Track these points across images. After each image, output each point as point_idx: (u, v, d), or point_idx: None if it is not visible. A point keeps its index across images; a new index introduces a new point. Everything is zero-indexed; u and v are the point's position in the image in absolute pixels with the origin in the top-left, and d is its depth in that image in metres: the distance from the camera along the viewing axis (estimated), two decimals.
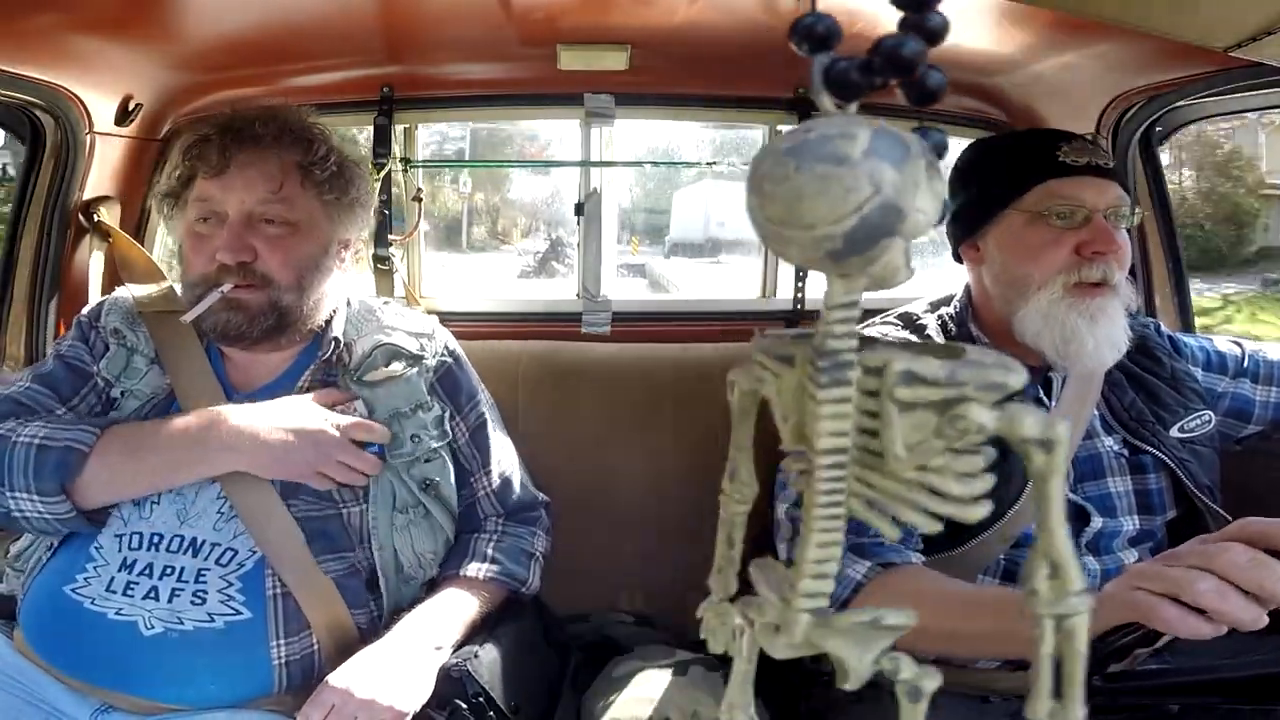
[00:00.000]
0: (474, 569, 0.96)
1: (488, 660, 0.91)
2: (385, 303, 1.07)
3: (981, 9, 1.00)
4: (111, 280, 1.27)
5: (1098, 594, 0.65)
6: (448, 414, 0.99)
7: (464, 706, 0.86)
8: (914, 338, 0.95)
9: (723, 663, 1.05)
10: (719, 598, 0.36)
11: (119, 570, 0.85)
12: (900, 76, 0.25)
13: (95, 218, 1.23)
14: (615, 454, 1.28)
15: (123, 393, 0.94)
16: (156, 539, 0.86)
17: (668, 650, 1.07)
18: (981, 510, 0.27)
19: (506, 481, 1.04)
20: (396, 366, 0.97)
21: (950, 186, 1.00)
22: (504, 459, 1.05)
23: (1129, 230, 0.91)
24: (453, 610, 0.92)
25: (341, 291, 1.02)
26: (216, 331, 0.92)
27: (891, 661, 0.29)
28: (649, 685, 0.97)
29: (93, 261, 1.25)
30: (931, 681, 0.29)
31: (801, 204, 0.24)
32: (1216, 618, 0.58)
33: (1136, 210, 0.91)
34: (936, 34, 0.25)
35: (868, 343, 0.28)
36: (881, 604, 0.83)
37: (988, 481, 0.27)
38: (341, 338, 0.98)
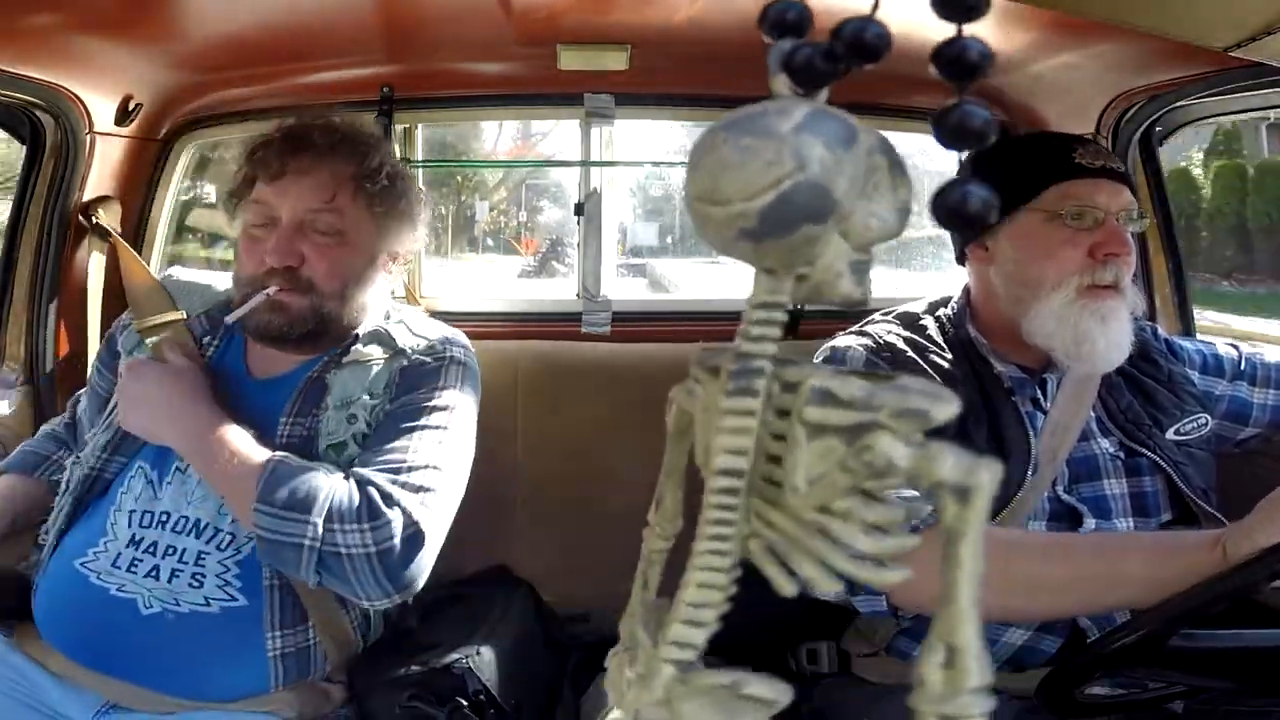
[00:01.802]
0: (289, 458, 0.84)
1: (489, 658, 0.92)
2: (421, 313, 1.09)
3: None
4: (112, 280, 1.28)
5: (1251, 517, 0.67)
6: (382, 404, 0.92)
7: (465, 704, 0.86)
8: (916, 336, 0.95)
9: (727, 663, 1.06)
10: (623, 646, 0.31)
11: (127, 546, 0.87)
12: (865, 62, 0.23)
13: (95, 218, 1.23)
14: (615, 454, 1.28)
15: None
16: (165, 517, 0.88)
17: None
18: (894, 577, 0.22)
19: (386, 466, 0.85)
20: (374, 350, 0.95)
21: None
22: (400, 456, 0.86)
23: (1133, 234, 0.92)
24: (238, 437, 0.85)
25: (383, 301, 1.02)
26: (257, 331, 0.93)
27: None
28: None
29: (92, 261, 1.25)
30: None
31: (722, 177, 0.22)
32: None
33: (1144, 216, 0.92)
34: (978, 64, 0.22)
35: (800, 360, 0.25)
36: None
37: (905, 543, 0.22)
38: (363, 335, 0.97)
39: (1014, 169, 0.93)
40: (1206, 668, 0.67)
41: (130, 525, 0.88)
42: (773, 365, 0.24)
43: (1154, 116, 1.21)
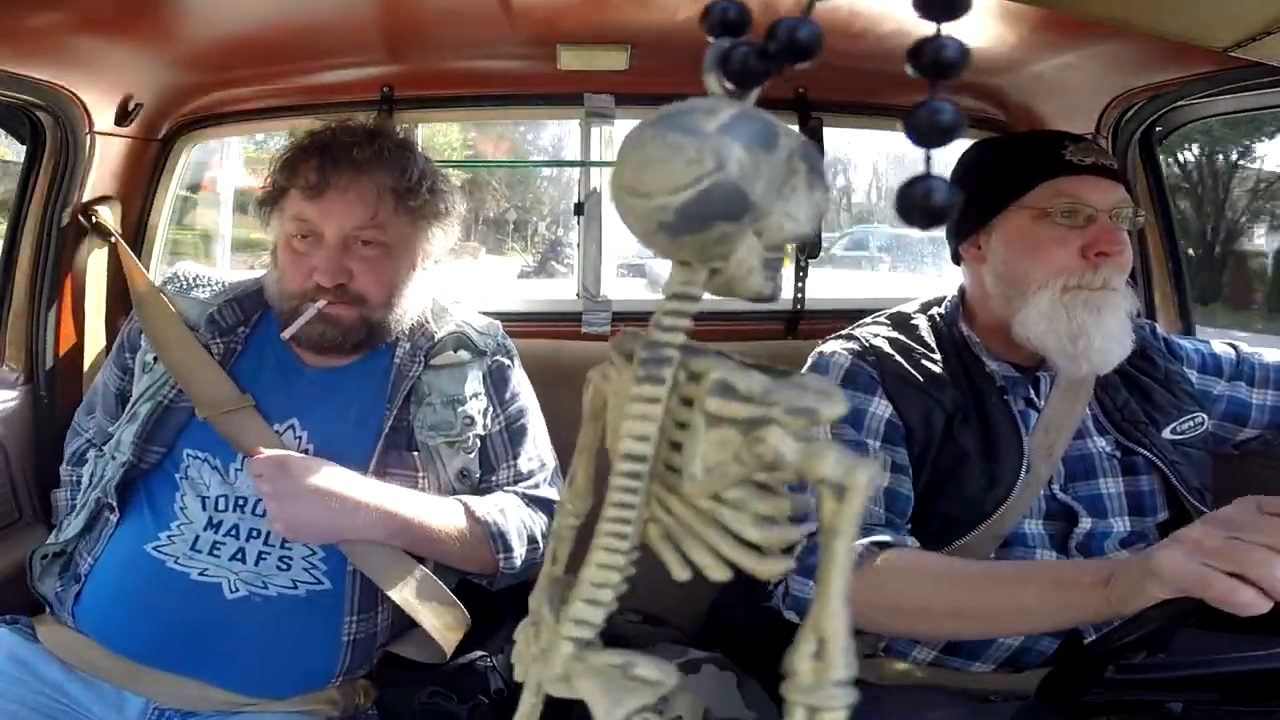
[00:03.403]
0: (479, 504, 0.95)
1: (510, 656, 0.92)
2: (455, 301, 1.11)
3: (981, 9, 1.00)
4: (112, 280, 1.28)
5: (1145, 561, 0.63)
6: (491, 408, 1.01)
7: (486, 701, 0.87)
8: (904, 337, 0.95)
9: (735, 662, 1.06)
10: (530, 620, 0.31)
11: (205, 529, 0.87)
12: (798, 61, 0.23)
13: (95, 218, 1.23)
14: None
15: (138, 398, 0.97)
16: (241, 502, 0.89)
17: (679, 649, 1.08)
18: (780, 566, 0.23)
19: (532, 476, 1.03)
20: (463, 354, 1.01)
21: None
22: (535, 459, 1.04)
23: (1130, 234, 0.91)
24: (430, 510, 0.91)
25: (424, 290, 1.05)
26: (312, 342, 0.95)
27: None
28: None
29: (92, 261, 1.25)
30: None
31: (645, 170, 0.23)
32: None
33: (1140, 214, 0.91)
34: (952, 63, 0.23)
35: (707, 351, 0.25)
36: (882, 579, 0.82)
37: (791, 534, 0.23)
38: (436, 330, 1.02)
39: (1004, 167, 0.92)
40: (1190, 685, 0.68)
41: (205, 509, 0.89)
42: (680, 355, 0.25)
43: (1154, 116, 1.21)
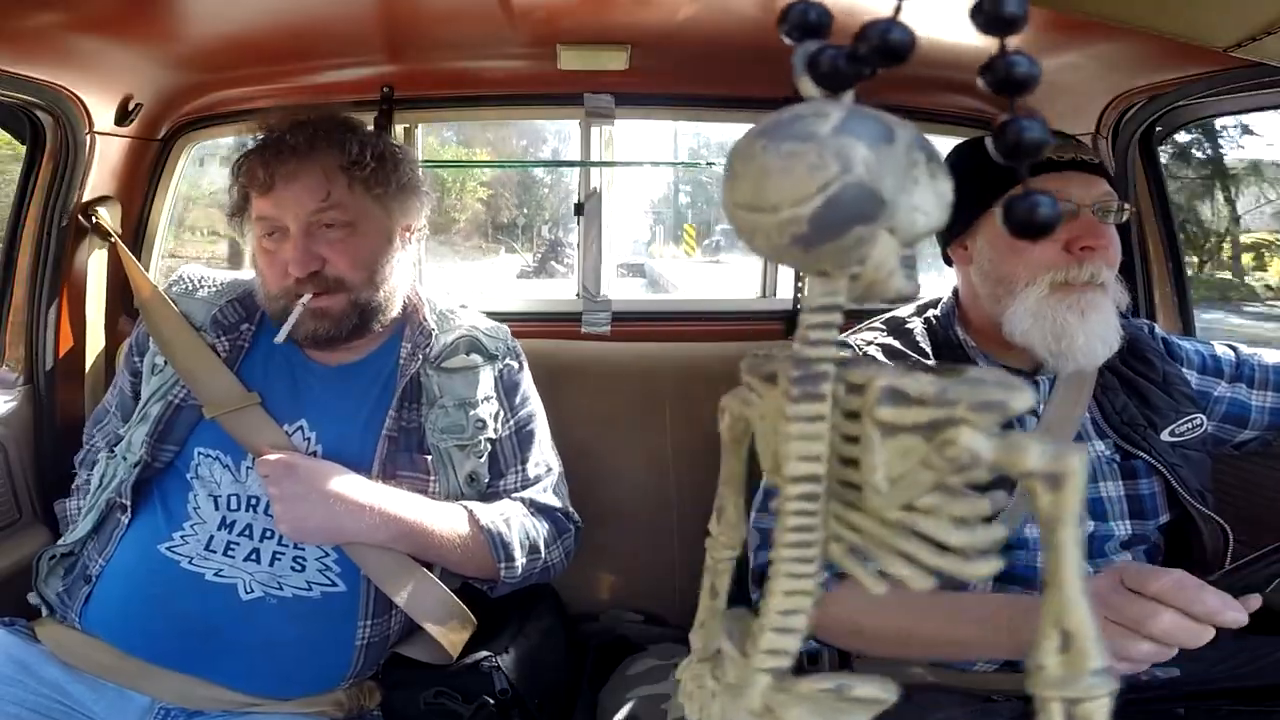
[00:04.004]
0: (483, 511, 0.94)
1: (514, 658, 0.93)
2: (462, 306, 1.10)
3: None
4: (112, 280, 1.28)
5: None
6: (502, 411, 1.01)
7: (490, 701, 0.87)
8: (898, 343, 0.95)
9: None
10: (698, 657, 0.30)
11: (218, 529, 0.87)
12: (890, 64, 0.23)
13: (95, 218, 1.22)
14: (615, 454, 1.28)
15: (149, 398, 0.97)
16: (254, 501, 0.89)
17: (684, 649, 1.07)
18: (988, 568, 0.22)
19: (539, 482, 1.03)
20: (475, 358, 1.01)
21: None
22: (541, 464, 1.04)
23: (1125, 228, 0.91)
24: (434, 516, 0.91)
25: (409, 270, 1.04)
26: (309, 340, 0.95)
27: None
28: (664, 683, 0.98)
29: (92, 261, 1.25)
30: None
31: (766, 183, 0.22)
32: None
33: (1126, 207, 0.90)
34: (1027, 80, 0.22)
35: (861, 360, 0.25)
36: (850, 611, 0.84)
37: (996, 534, 0.22)
38: (436, 330, 1.02)
39: (985, 167, 0.92)
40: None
41: (218, 508, 0.89)
42: (836, 368, 0.24)
43: (1154, 116, 1.21)
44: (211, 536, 0.87)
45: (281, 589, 0.86)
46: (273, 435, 0.91)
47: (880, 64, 0.23)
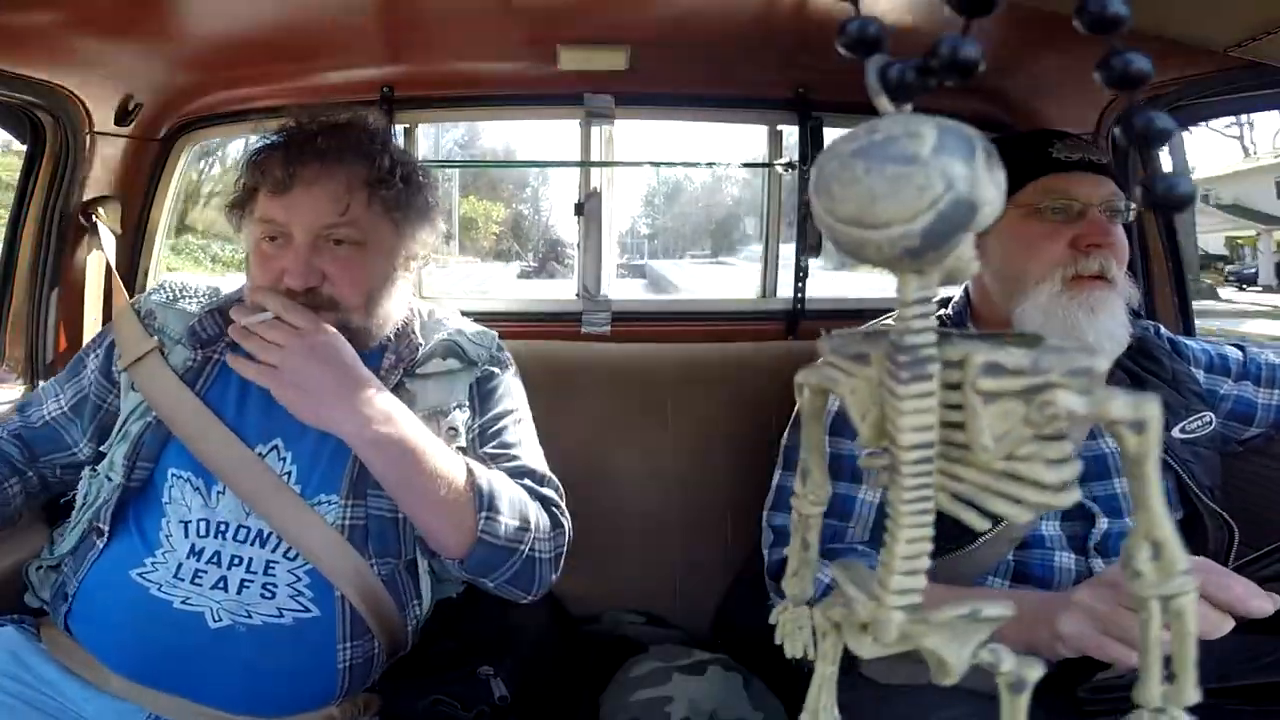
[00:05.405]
0: (477, 466, 0.86)
1: (511, 665, 0.92)
2: (454, 312, 1.06)
3: None
4: (111, 281, 1.28)
5: (1053, 622, 0.67)
6: (474, 419, 0.95)
7: (488, 710, 0.86)
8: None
9: (740, 663, 1.06)
10: (795, 602, 0.35)
11: (187, 557, 0.84)
12: (960, 78, 0.25)
13: (95, 218, 1.22)
14: (615, 454, 1.28)
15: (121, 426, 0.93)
16: (223, 527, 0.85)
17: (685, 650, 1.08)
18: (1072, 496, 0.26)
19: (525, 473, 0.93)
20: (452, 363, 0.96)
21: None
22: (529, 462, 0.95)
23: (1128, 228, 0.91)
24: (432, 440, 0.84)
25: (407, 297, 0.99)
26: None
27: (992, 654, 0.29)
28: (666, 685, 0.98)
29: (91, 261, 1.25)
30: (1034, 671, 0.28)
31: (875, 205, 0.24)
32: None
33: (1132, 206, 0.91)
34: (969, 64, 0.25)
35: (944, 337, 0.28)
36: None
37: (1076, 467, 0.26)
38: (423, 342, 0.96)
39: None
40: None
41: (188, 535, 0.84)
42: (936, 351, 0.27)
43: None
44: (180, 564, 0.83)
45: (251, 617, 0.82)
46: (239, 457, 0.86)
47: (949, 78, 0.25)
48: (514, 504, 0.86)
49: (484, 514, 0.82)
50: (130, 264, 1.35)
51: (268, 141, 0.89)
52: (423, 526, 0.85)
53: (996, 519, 0.27)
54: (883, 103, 0.26)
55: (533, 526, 0.86)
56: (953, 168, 0.24)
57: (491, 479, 0.86)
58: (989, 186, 0.25)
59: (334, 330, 0.84)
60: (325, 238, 0.86)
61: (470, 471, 0.84)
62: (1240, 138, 16.70)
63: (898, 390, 0.27)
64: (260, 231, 0.88)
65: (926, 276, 0.26)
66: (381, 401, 0.82)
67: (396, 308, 0.95)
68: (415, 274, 1.01)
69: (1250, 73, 0.98)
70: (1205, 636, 0.59)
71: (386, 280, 0.92)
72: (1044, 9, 0.95)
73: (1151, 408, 0.24)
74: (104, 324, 1.28)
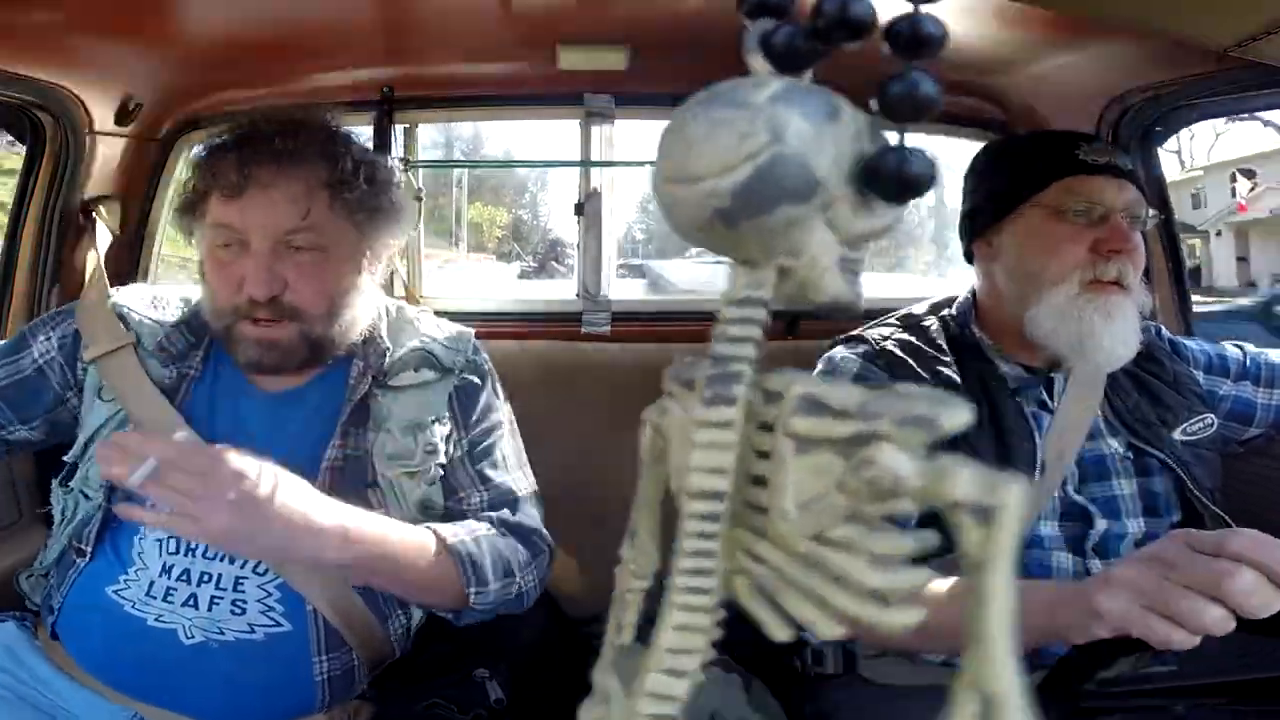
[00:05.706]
0: (448, 530, 0.84)
1: (510, 666, 0.92)
2: (423, 311, 1.03)
3: (981, 8, 1.00)
4: (111, 280, 1.27)
5: (1089, 601, 0.64)
6: (455, 432, 0.92)
7: (484, 713, 0.86)
8: (915, 339, 0.95)
9: (740, 664, 1.06)
10: (596, 700, 0.27)
11: (159, 574, 0.82)
12: (850, 39, 0.20)
13: (95, 218, 1.22)
14: (615, 454, 1.27)
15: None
16: (193, 544, 0.83)
17: None
18: (909, 617, 0.19)
19: (506, 502, 0.92)
20: (427, 374, 0.92)
21: (965, 185, 1.00)
22: (507, 483, 0.93)
23: (1144, 234, 0.92)
24: (395, 534, 0.80)
25: (374, 298, 0.95)
26: (250, 367, 0.87)
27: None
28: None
29: (91, 261, 1.25)
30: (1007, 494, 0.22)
31: (690, 152, 0.20)
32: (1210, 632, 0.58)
33: (1152, 214, 0.91)
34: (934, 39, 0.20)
35: (773, 361, 0.21)
36: None
37: (919, 577, 0.19)
38: (390, 346, 0.93)
39: (1019, 165, 0.93)
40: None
41: (160, 554, 0.83)
42: (753, 371, 0.21)
43: (1154, 116, 1.21)
44: (152, 582, 0.82)
45: (223, 634, 0.81)
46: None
47: (841, 39, 0.20)
48: (497, 563, 0.84)
49: (473, 589, 0.82)
50: (130, 264, 1.35)
51: (218, 142, 0.85)
52: (416, 604, 0.88)
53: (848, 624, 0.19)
54: (755, 64, 0.22)
55: (517, 571, 0.86)
56: (786, 118, 0.19)
57: (469, 546, 0.83)
58: (827, 159, 0.19)
59: (239, 467, 0.69)
60: (285, 244, 0.83)
61: (446, 547, 0.82)
62: (1179, 151, 16.79)
63: (695, 415, 0.21)
64: (214, 238, 0.84)
65: (759, 272, 0.21)
66: (327, 518, 0.73)
67: (363, 312, 0.91)
68: (382, 274, 0.97)
69: (1250, 73, 0.98)
70: (1256, 615, 0.56)
71: (350, 286, 0.88)
72: (1041, 9, 0.95)
73: (1007, 493, 0.17)
74: None
